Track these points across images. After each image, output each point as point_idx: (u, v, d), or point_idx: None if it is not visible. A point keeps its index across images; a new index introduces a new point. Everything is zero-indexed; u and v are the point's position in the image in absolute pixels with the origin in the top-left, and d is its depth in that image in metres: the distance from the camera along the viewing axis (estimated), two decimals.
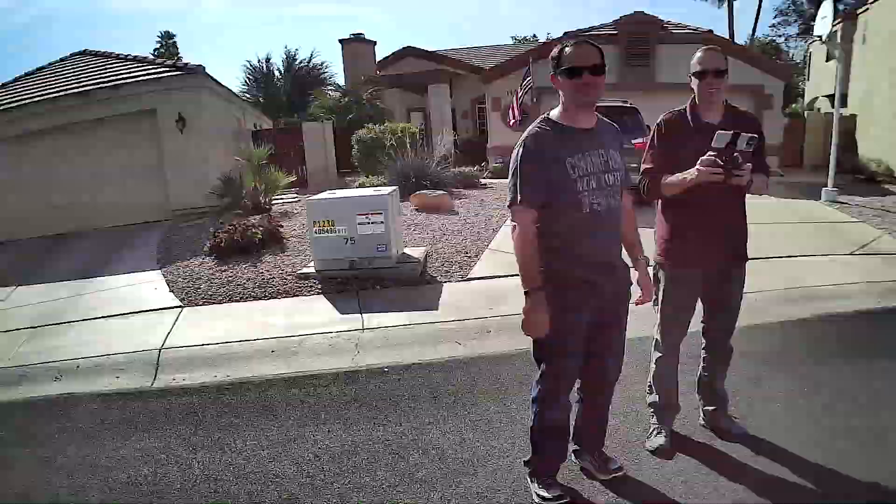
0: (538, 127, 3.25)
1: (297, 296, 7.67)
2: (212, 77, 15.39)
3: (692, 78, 3.73)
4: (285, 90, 32.32)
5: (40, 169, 13.60)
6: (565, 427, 3.60)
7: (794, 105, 29.02)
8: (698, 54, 3.71)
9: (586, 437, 3.80)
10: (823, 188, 12.75)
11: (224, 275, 8.42)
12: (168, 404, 5.27)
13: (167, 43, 46.53)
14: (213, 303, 7.68)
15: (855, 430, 4.14)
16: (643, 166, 3.88)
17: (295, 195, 14.79)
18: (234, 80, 61.84)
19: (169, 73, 14.33)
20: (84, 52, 17.14)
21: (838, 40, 20.00)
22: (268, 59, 33.97)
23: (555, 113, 3.29)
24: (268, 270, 8.41)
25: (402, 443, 4.33)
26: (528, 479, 3.67)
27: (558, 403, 3.48)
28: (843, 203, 12.19)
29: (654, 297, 3.97)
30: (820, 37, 13.92)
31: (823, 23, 13.39)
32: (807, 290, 7.28)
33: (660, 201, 3.95)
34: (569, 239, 3.23)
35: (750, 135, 3.35)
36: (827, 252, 8.79)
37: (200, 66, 14.54)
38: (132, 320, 7.39)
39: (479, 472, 3.93)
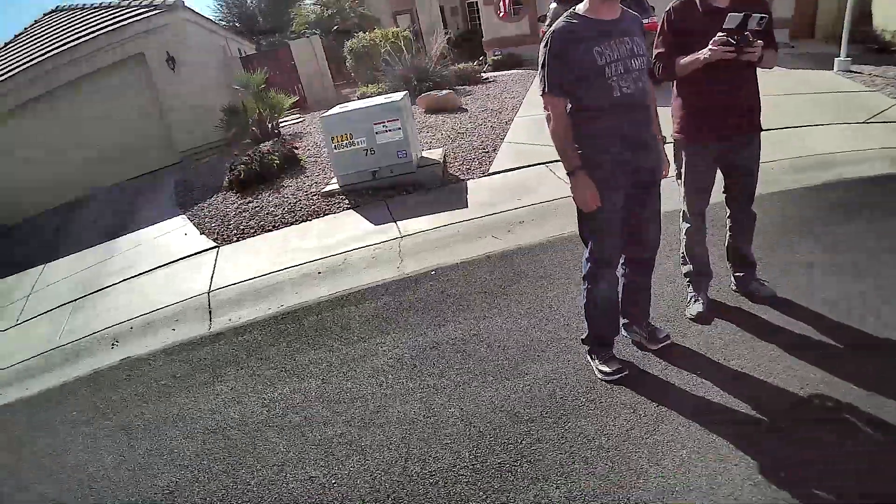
0: (565, 20, 3.37)
1: (328, 214, 7.76)
2: (192, 9, 15.06)
3: None
4: (260, 10, 31.58)
5: (39, 138, 13.49)
6: (615, 300, 3.82)
7: None
8: None
9: (634, 309, 4.02)
10: (836, 58, 12.46)
11: (251, 206, 8.49)
12: (230, 345, 5.38)
13: None
14: (247, 236, 7.78)
15: (872, 289, 4.27)
16: (655, 51, 3.98)
17: (298, 116, 14.68)
18: (204, 8, 60.25)
19: (148, 14, 13.94)
20: (57, 10, 16.68)
21: None
22: None
23: (581, 7, 3.40)
24: (292, 194, 8.48)
25: (465, 339, 4.50)
26: (588, 357, 3.95)
27: (606, 278, 3.68)
28: (855, 73, 11.92)
29: (677, 171, 4.20)
30: None
31: None
32: (821, 157, 7.26)
33: (675, 81, 4.07)
34: (603, 121, 3.38)
35: (760, 14, 3.49)
36: (840, 121, 8.61)
37: (179, 0, 14.22)
38: (172, 270, 7.50)
39: (543, 357, 4.14)
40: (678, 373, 3.72)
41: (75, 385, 5.54)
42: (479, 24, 20.09)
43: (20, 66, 13.61)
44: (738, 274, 4.49)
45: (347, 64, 16.06)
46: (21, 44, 15.28)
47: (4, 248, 11.29)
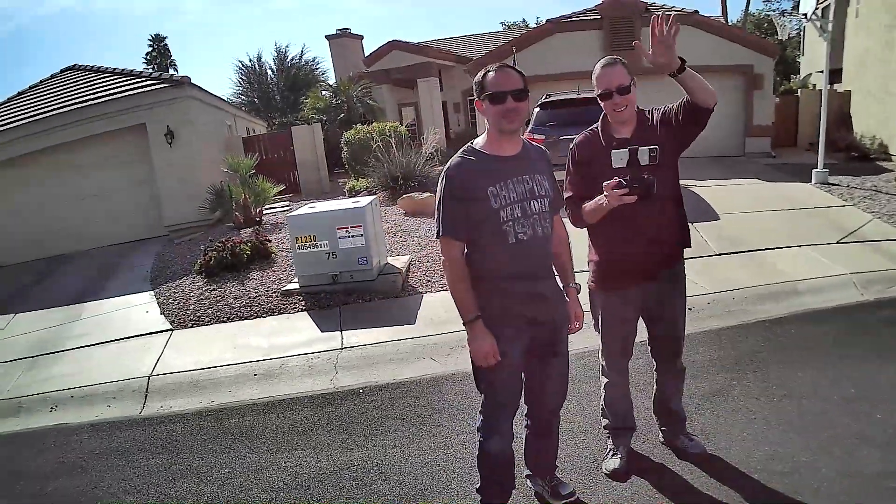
0: (461, 156, 3.21)
1: (282, 313, 7.84)
2: (199, 87, 15.52)
3: (599, 100, 3.60)
4: (279, 89, 32.46)
5: (34, 190, 13.87)
6: (507, 458, 3.55)
7: (787, 82, 28.63)
8: (597, 70, 3.60)
9: (536, 462, 3.81)
10: (813, 170, 12.58)
11: (213, 294, 8.60)
12: (153, 433, 5.48)
13: (159, 46, 46.69)
14: (202, 324, 7.88)
15: (816, 447, 4.08)
16: (565, 194, 3.75)
17: (287, 203, 14.94)
18: (226, 80, 62.07)
19: (156, 87, 14.38)
20: (74, 67, 17.32)
21: (830, 16, 19.56)
22: (259, 58, 34.26)
23: (479, 141, 3.26)
24: (254, 288, 8.58)
25: (365, 468, 4.48)
26: None
27: (498, 434, 3.43)
28: (833, 185, 12.05)
29: (594, 321, 3.99)
30: (805, 14, 13.57)
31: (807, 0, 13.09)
32: (788, 284, 7.26)
33: (588, 227, 3.84)
34: (496, 271, 3.19)
35: (650, 146, 3.30)
36: (812, 241, 8.69)
37: (186, 77, 14.65)
38: (125, 345, 7.62)
39: (436, 499, 4.03)
40: None
41: (5, 440, 5.85)
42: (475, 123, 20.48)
43: (26, 118, 14.08)
44: (664, 428, 4.29)
45: (343, 155, 16.41)
46: (33, 96, 15.84)
47: None
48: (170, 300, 8.77)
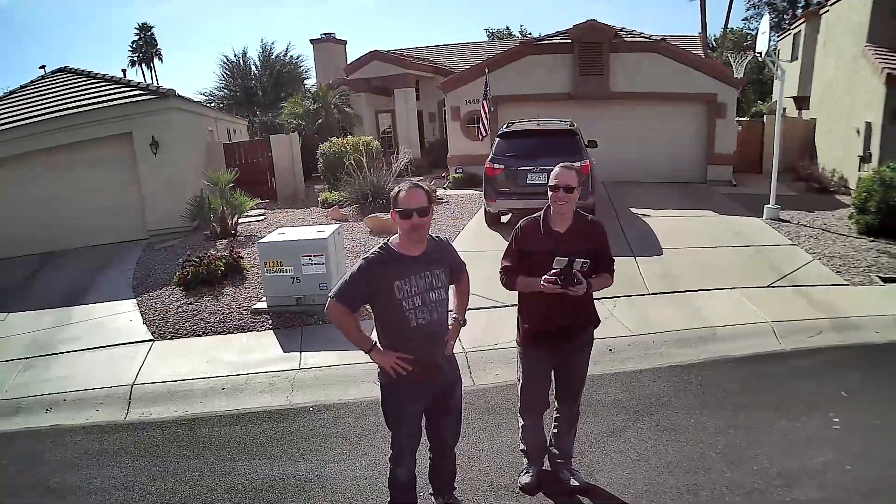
0: (376, 251, 3.98)
1: (251, 330, 8.83)
2: (183, 97, 16.39)
3: (548, 189, 4.41)
4: (262, 86, 33.08)
5: (23, 191, 14.61)
6: (410, 482, 4.43)
7: (762, 103, 29.32)
8: (555, 170, 4.39)
9: (437, 483, 4.71)
10: (765, 205, 13.02)
11: (189, 308, 9.57)
12: (136, 437, 6.49)
13: (145, 35, 47.02)
14: (180, 336, 8.86)
15: (692, 489, 4.80)
16: (503, 263, 4.61)
17: (263, 211, 15.80)
18: (210, 73, 62.11)
19: (143, 98, 15.23)
20: (64, 70, 18.09)
21: (801, 43, 20.42)
22: (244, 54, 34.70)
23: (394, 239, 4.03)
24: (227, 304, 9.55)
25: (308, 478, 5.45)
26: None
27: (401, 465, 4.33)
28: (784, 220, 12.54)
29: (517, 373, 4.88)
30: (760, 53, 13.99)
31: (762, 38, 13.68)
32: (708, 330, 7.87)
33: (518, 294, 4.68)
34: (400, 347, 3.99)
35: (583, 260, 4.13)
36: (745, 284, 9.27)
37: (171, 89, 15.55)
38: (111, 353, 8.57)
39: None
40: None
41: (8, 437, 6.74)
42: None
43: (17, 121, 14.81)
44: (552, 460, 5.10)
45: (318, 167, 17.31)
46: (24, 97, 16.54)
47: None
48: (151, 310, 9.74)
